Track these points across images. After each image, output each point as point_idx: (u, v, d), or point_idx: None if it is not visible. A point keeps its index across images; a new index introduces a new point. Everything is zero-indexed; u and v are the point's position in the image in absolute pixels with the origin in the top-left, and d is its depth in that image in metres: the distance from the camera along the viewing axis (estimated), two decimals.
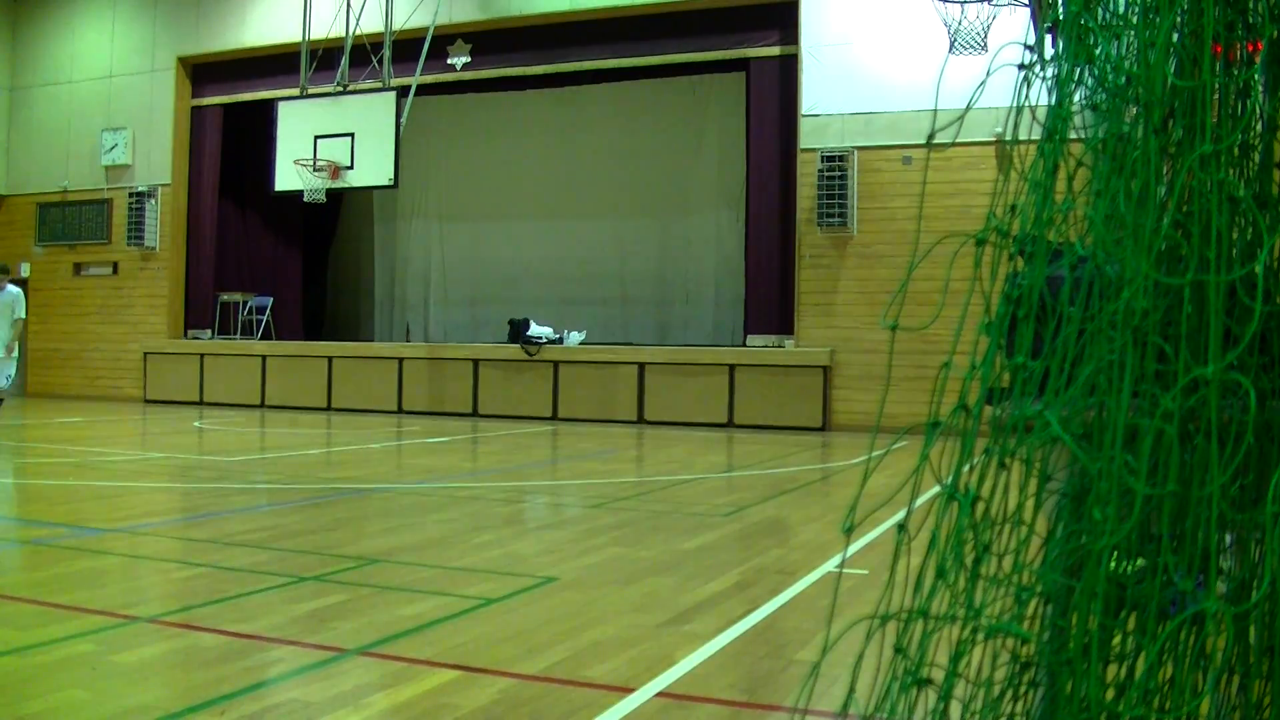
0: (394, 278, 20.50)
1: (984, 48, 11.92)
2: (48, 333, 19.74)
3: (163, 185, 18.69)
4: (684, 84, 17.36)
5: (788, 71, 15.01)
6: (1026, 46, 1.71)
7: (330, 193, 15.84)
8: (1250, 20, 1.69)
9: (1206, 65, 1.56)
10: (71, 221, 19.39)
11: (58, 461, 9.68)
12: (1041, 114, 1.69)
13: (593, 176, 18.57)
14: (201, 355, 17.92)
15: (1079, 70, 1.66)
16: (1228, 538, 1.64)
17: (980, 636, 1.57)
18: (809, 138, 14.50)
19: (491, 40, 16.64)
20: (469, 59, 16.75)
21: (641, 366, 15.16)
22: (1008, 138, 1.71)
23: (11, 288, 11.93)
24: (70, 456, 10.02)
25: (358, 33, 15.59)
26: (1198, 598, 1.47)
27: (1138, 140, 1.59)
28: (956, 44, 11.86)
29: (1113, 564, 1.51)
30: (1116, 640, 1.57)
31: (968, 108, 1.77)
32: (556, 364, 15.60)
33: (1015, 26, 11.60)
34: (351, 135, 15.27)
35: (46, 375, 19.72)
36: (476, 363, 16.09)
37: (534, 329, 16.03)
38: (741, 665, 3.69)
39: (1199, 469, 1.50)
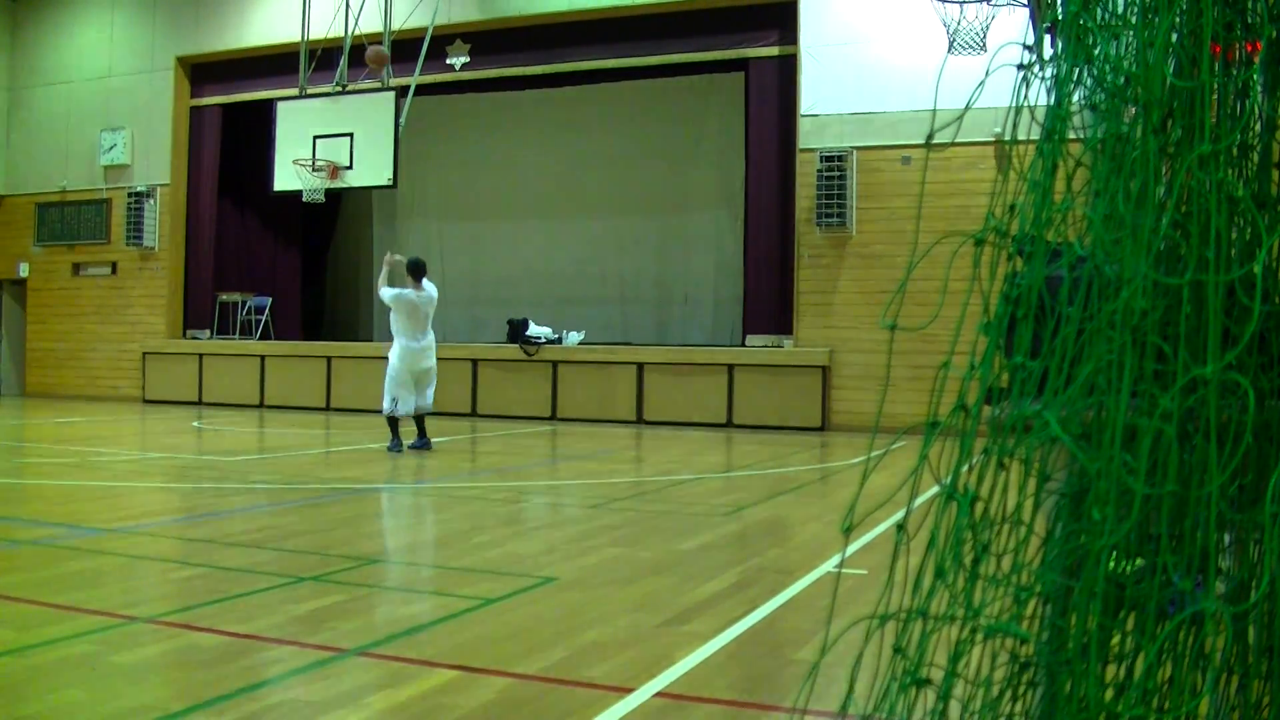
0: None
1: (983, 48, 11.91)
2: (46, 333, 19.73)
3: (161, 185, 18.69)
4: (684, 84, 17.35)
5: (787, 71, 15.02)
6: (1025, 46, 1.71)
7: (329, 193, 15.83)
8: (1249, 20, 1.69)
9: (1205, 65, 1.56)
10: (70, 221, 19.39)
11: (57, 461, 9.68)
12: (1040, 114, 1.69)
13: (592, 176, 18.57)
14: (200, 355, 17.92)
15: (1078, 70, 1.66)
16: (1226, 538, 1.64)
17: (979, 636, 1.57)
18: (808, 138, 14.51)
19: (490, 40, 16.64)
20: (468, 59, 16.75)
21: (640, 366, 15.16)
22: (1007, 138, 1.71)
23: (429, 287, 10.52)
24: (69, 456, 10.02)
25: (357, 33, 15.58)
26: (1197, 598, 1.47)
27: (1136, 140, 1.59)
28: (955, 44, 11.86)
29: (1112, 564, 1.51)
30: (1115, 640, 1.57)
31: (966, 108, 1.78)
32: (555, 364, 15.60)
33: (1014, 26, 11.60)
34: (350, 135, 15.27)
35: (45, 375, 19.72)
36: (475, 362, 16.09)
37: (533, 329, 16.03)
38: (740, 665, 3.69)
39: (1198, 469, 1.50)
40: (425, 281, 10.46)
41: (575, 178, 18.67)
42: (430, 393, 10.59)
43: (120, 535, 5.93)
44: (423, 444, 10.61)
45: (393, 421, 10.53)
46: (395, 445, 10.50)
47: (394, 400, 10.35)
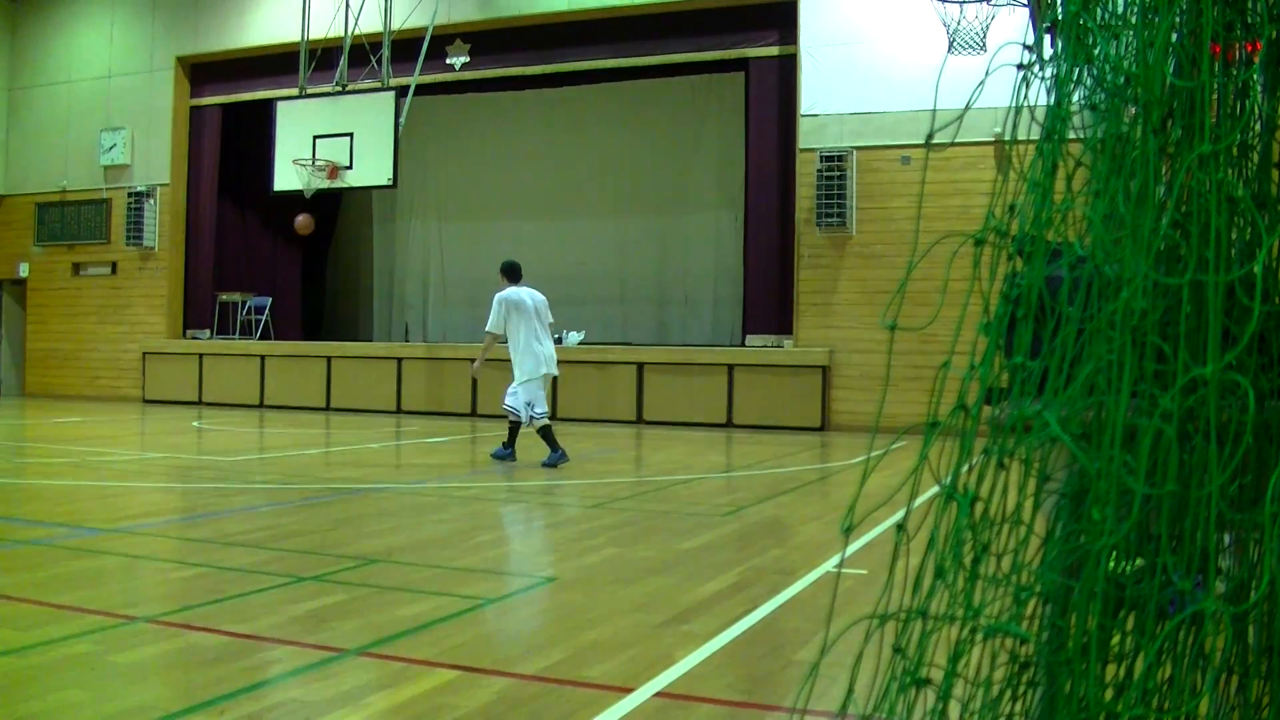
0: (393, 278, 20.50)
1: (983, 48, 11.92)
2: (46, 333, 19.73)
3: (161, 185, 18.69)
4: (684, 84, 17.35)
5: (787, 71, 15.02)
6: (1025, 46, 1.71)
7: (329, 193, 15.84)
8: (1249, 20, 1.69)
9: (1205, 65, 1.56)
10: (70, 221, 19.39)
11: (57, 461, 9.68)
12: (1040, 114, 1.69)
13: (592, 176, 18.57)
14: (200, 355, 17.92)
15: (1078, 70, 1.66)
16: (1226, 538, 1.64)
17: (979, 636, 1.57)
18: (808, 138, 14.51)
19: (490, 40, 16.64)
20: (468, 59, 16.75)
21: (640, 366, 15.16)
22: (1007, 138, 1.71)
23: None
24: (69, 456, 10.02)
25: (356, 33, 15.58)
26: (1196, 598, 1.47)
27: (1136, 140, 1.59)
28: (955, 44, 11.86)
29: (1111, 564, 1.51)
30: (1115, 640, 1.57)
31: (966, 108, 1.78)
32: None
33: (1014, 26, 11.60)
34: (350, 135, 15.28)
35: (45, 375, 19.72)
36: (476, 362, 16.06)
37: None
38: (740, 665, 3.69)
39: (1198, 469, 1.50)
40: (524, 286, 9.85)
41: (575, 178, 18.67)
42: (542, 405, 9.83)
43: (120, 535, 5.93)
44: (558, 457, 9.53)
45: (515, 429, 9.79)
46: (507, 452, 9.83)
47: (530, 404, 9.62)
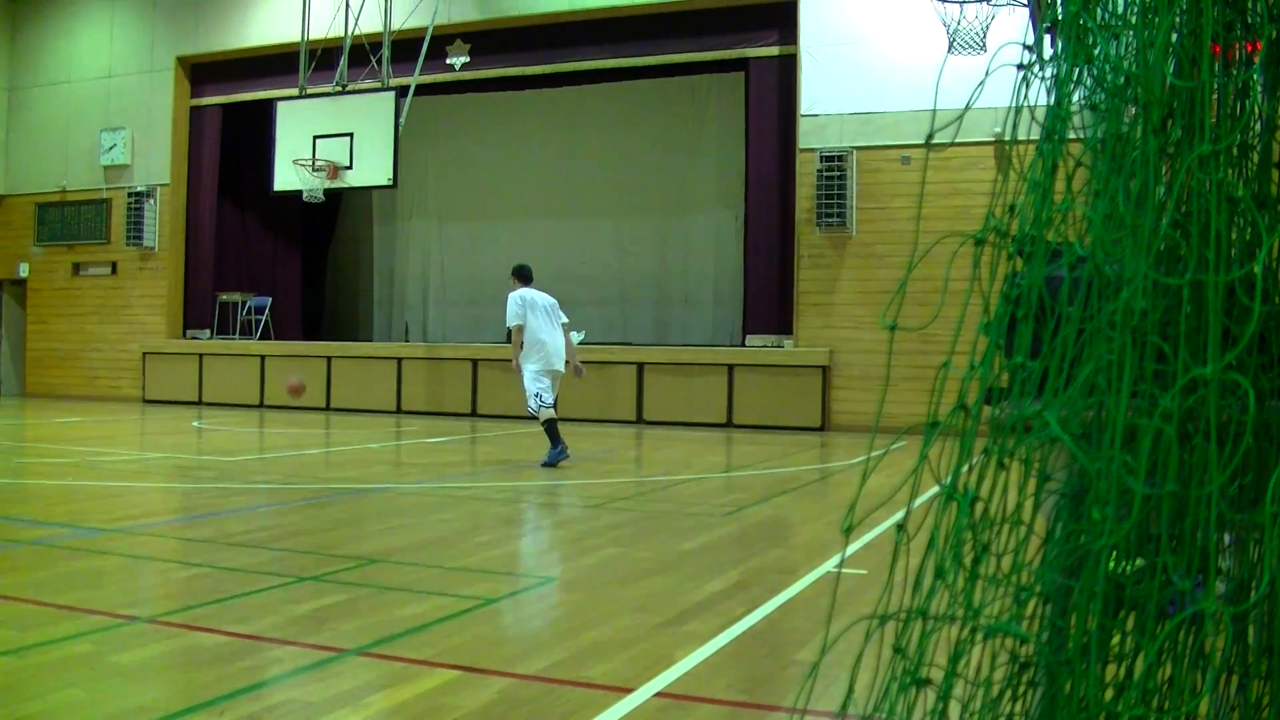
0: (393, 278, 20.50)
1: (983, 48, 11.92)
2: (46, 333, 19.74)
3: (161, 185, 18.69)
4: (684, 84, 17.36)
5: (787, 71, 15.02)
6: (1025, 46, 1.71)
7: (329, 193, 15.84)
8: (1249, 20, 1.69)
9: (1205, 65, 1.56)
10: (70, 221, 19.39)
11: (57, 461, 9.68)
12: (1040, 114, 1.69)
13: (592, 176, 18.57)
14: (200, 355, 17.93)
15: (1078, 70, 1.66)
16: (1226, 538, 1.64)
17: (979, 636, 1.57)
18: (808, 138, 14.51)
19: (490, 40, 16.64)
20: (468, 59, 16.76)
21: (640, 366, 15.16)
22: (1007, 138, 1.71)
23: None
24: (69, 456, 10.02)
25: (356, 33, 15.59)
26: (1196, 598, 1.47)
27: (1136, 140, 1.59)
28: (955, 44, 11.86)
29: (1111, 564, 1.51)
30: (1115, 640, 1.57)
31: (966, 108, 1.77)
32: None
33: (1014, 26, 11.60)
34: (350, 135, 15.28)
35: (45, 375, 19.72)
36: (475, 362, 16.09)
37: None
38: (741, 665, 3.69)
39: (1198, 469, 1.50)
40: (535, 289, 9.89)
41: (575, 178, 18.67)
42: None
43: (120, 535, 5.93)
44: (558, 454, 9.52)
45: (550, 425, 9.58)
46: (557, 452, 9.54)
47: (538, 395, 9.56)
